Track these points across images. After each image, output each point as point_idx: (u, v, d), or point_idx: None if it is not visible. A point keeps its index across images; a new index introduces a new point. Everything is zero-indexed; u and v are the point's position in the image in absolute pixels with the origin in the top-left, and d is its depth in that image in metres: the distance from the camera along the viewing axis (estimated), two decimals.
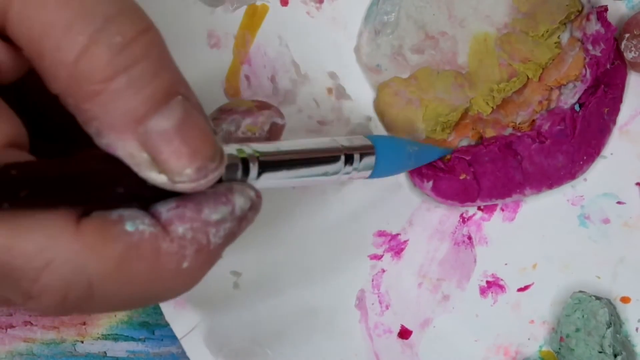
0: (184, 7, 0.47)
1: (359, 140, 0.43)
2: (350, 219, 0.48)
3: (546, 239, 0.48)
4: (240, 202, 0.35)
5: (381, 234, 0.48)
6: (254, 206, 0.36)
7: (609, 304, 0.47)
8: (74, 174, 0.32)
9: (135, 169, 0.33)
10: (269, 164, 0.37)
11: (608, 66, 0.48)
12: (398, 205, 0.48)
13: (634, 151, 0.48)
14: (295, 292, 0.48)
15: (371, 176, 0.44)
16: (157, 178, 0.33)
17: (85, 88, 0.32)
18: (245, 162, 0.36)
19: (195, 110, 0.33)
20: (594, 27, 0.48)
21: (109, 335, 0.48)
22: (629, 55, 0.47)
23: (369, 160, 0.43)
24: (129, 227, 0.32)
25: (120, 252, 0.32)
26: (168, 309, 0.46)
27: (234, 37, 0.47)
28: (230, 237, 0.35)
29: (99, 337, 0.48)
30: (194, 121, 0.33)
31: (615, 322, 0.47)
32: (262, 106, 0.40)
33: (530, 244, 0.48)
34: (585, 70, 0.48)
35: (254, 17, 0.48)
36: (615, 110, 0.48)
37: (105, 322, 0.48)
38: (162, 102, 0.32)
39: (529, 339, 0.48)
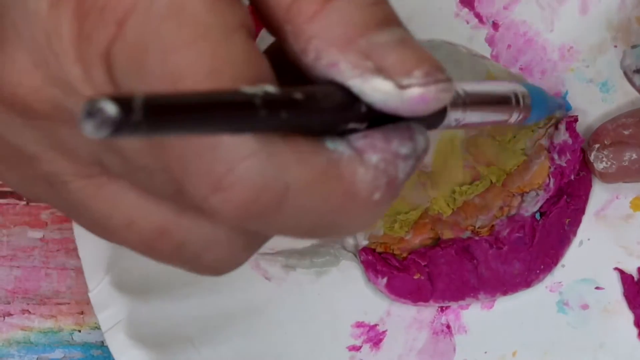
0: None
1: (520, 87, 0.41)
2: (327, 310, 0.48)
3: (525, 327, 0.48)
4: (420, 141, 0.33)
5: (359, 324, 0.48)
6: (427, 149, 0.33)
7: None
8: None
9: (358, 80, 0.31)
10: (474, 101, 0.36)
11: (572, 177, 0.48)
12: (376, 296, 0.48)
13: (611, 236, 0.48)
14: None
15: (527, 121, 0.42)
16: (382, 85, 0.31)
17: (308, 6, 0.30)
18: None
19: (414, 39, 0.32)
20: (561, 136, 0.47)
21: None
22: (599, 166, 0.46)
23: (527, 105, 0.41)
24: (329, 144, 0.31)
25: (323, 165, 0.30)
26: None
27: None
28: (409, 176, 0.33)
29: (96, 327, 0.48)
30: (415, 43, 0.31)
31: None
32: None
33: (510, 331, 0.48)
34: (549, 179, 0.48)
35: None
36: (577, 221, 0.48)
37: None
38: (383, 23, 0.31)
39: None
